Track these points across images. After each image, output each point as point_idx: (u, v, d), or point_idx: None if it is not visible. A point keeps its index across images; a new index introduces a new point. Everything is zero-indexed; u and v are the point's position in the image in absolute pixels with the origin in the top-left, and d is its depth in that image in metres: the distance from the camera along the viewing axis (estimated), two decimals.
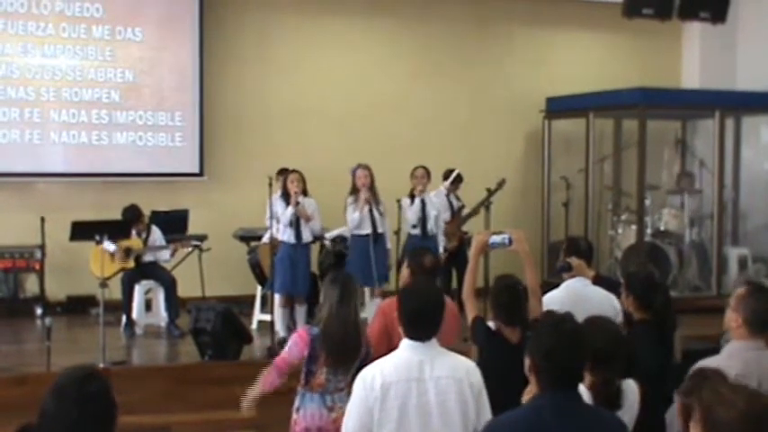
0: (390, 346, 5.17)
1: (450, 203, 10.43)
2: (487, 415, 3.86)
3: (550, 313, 3.45)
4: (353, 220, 8.98)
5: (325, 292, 5.05)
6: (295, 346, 4.95)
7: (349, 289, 5.01)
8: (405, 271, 5.58)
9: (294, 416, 5.03)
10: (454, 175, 10.47)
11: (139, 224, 9.59)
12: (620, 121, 12.53)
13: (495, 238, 5.12)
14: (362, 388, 3.86)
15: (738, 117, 12.29)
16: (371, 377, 3.86)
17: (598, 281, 5.84)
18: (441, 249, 9.58)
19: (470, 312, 4.93)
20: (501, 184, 10.22)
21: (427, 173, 9.53)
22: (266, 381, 4.98)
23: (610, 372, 3.94)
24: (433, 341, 3.93)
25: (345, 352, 4.95)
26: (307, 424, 4.98)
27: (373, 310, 7.49)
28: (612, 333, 4.11)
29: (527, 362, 3.30)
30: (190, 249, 10.15)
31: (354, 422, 3.85)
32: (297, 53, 11.80)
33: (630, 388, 4.07)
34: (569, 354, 3.20)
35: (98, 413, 2.98)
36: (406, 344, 3.93)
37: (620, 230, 11.76)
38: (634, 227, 11.39)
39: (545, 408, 3.17)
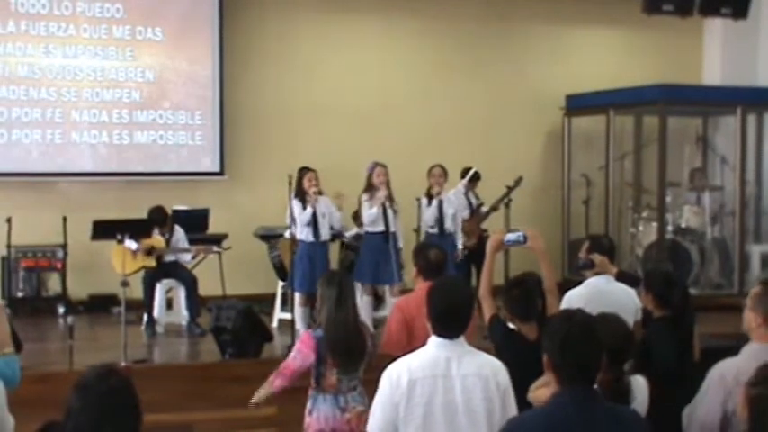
0: (410, 342, 5.23)
1: (469, 201, 10.42)
2: (514, 414, 3.84)
3: (564, 310, 3.46)
4: (370, 216, 8.98)
5: (321, 293, 5.05)
6: (300, 354, 4.97)
7: (346, 288, 5.03)
8: (413, 269, 5.60)
9: (307, 419, 5.03)
10: (471, 173, 10.45)
11: (164, 225, 9.64)
12: (640, 118, 12.48)
13: (510, 236, 5.12)
14: (388, 384, 3.86)
15: (760, 113, 12.21)
16: (398, 373, 3.86)
17: (621, 277, 5.83)
18: (459, 246, 9.58)
19: (487, 311, 4.93)
20: (518, 182, 10.20)
21: (444, 172, 9.50)
22: (274, 384, 5.01)
23: (619, 368, 3.95)
24: (461, 339, 3.94)
25: (350, 352, 4.96)
26: (320, 426, 4.99)
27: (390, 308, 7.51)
28: (621, 330, 4.11)
29: (544, 359, 3.30)
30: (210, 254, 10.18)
31: (380, 419, 3.85)
32: (316, 51, 11.83)
33: (640, 384, 4.07)
34: (583, 348, 3.20)
35: (121, 408, 3.01)
36: (433, 340, 3.93)
37: (640, 228, 11.72)
38: (655, 224, 11.35)
39: (567, 404, 3.17)
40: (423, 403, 3.81)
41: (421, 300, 5.32)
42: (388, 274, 8.93)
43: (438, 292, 4.02)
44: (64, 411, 3.02)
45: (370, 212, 8.98)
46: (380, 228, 8.99)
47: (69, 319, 7.80)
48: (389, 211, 8.98)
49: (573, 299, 5.39)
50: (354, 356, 4.98)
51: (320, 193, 8.89)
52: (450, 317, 3.92)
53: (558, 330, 3.26)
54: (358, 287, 9.72)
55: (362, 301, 9.06)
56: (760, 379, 2.92)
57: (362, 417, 4.99)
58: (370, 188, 9.07)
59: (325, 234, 8.99)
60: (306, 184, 8.83)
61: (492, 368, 3.92)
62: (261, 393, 5.07)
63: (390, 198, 9.03)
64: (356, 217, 9.84)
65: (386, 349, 5.34)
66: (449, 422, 3.82)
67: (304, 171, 9.05)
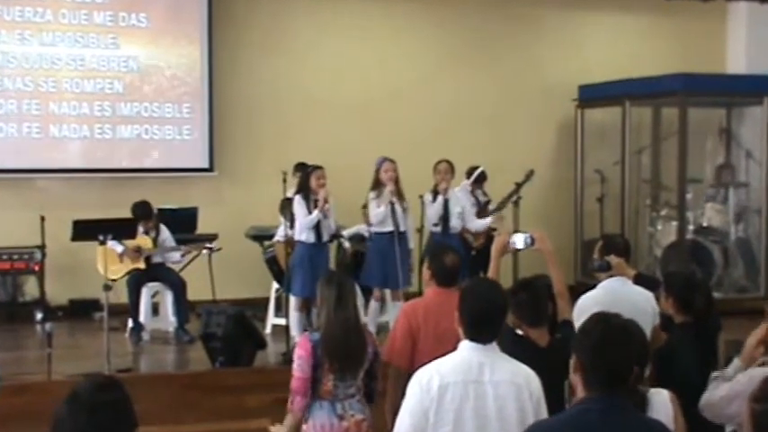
0: (415, 350, 5.22)
1: (477, 199, 10.41)
2: None
3: (601, 312, 3.44)
4: (378, 215, 8.96)
5: (320, 294, 5.06)
6: (302, 360, 4.95)
7: (346, 289, 5.03)
8: (426, 272, 5.59)
9: (303, 426, 5.02)
10: (476, 173, 10.41)
11: (149, 222, 9.64)
12: (659, 110, 12.46)
13: (516, 238, 5.16)
14: (418, 389, 3.89)
15: None
16: (428, 378, 3.90)
17: (639, 280, 5.83)
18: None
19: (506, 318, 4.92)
20: (529, 176, 10.17)
21: (451, 167, 9.49)
22: (295, 408, 4.98)
23: (634, 379, 3.91)
24: (494, 344, 3.99)
25: (349, 357, 4.96)
26: None
27: (395, 313, 7.49)
28: (639, 336, 4.08)
29: (572, 361, 3.27)
30: (201, 252, 10.18)
31: (408, 425, 3.88)
32: (312, 39, 11.82)
33: (661, 399, 3.99)
34: (618, 352, 3.19)
35: (109, 424, 3.00)
36: (466, 345, 3.98)
37: (659, 227, 11.72)
38: (674, 223, 11.35)
39: (592, 411, 3.16)
40: (453, 409, 3.85)
41: (430, 307, 5.35)
42: (396, 278, 8.90)
43: (472, 295, 4.07)
44: (51, 425, 3.01)
45: (377, 211, 8.96)
46: (389, 227, 8.98)
47: (48, 325, 7.79)
48: (398, 210, 8.96)
49: (587, 303, 5.40)
50: (354, 361, 4.99)
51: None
52: (484, 321, 3.98)
53: (593, 330, 3.25)
54: (358, 291, 9.79)
55: (370, 306, 9.07)
56: (765, 393, 2.91)
57: (362, 426, 5.01)
58: (378, 185, 9.04)
59: (326, 236, 8.96)
60: (314, 183, 8.73)
61: (526, 376, 3.96)
62: (287, 423, 5.03)
63: (400, 195, 9.01)
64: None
65: (387, 358, 5.35)
66: (480, 428, 3.86)
67: (311, 169, 8.92)
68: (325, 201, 8.64)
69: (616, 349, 3.18)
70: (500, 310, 4.06)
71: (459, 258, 5.62)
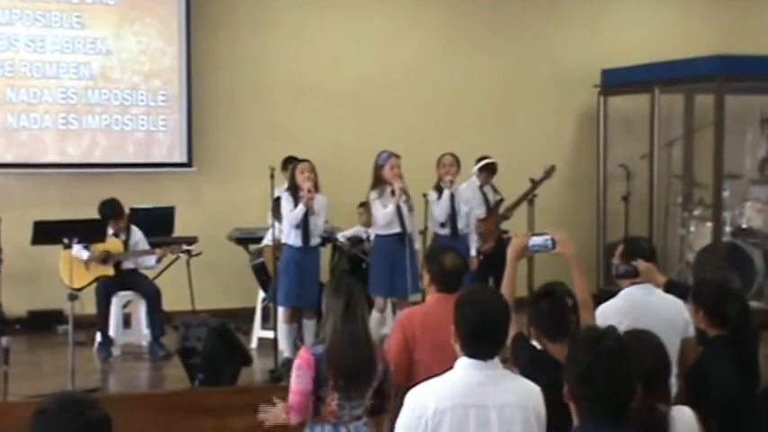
0: (410, 365, 5.22)
1: (486, 197, 10.41)
2: None
3: (588, 328, 3.44)
4: (385, 216, 8.96)
5: (327, 304, 5.06)
6: (302, 371, 4.95)
7: (355, 298, 5.02)
8: (425, 276, 5.59)
9: None
10: (484, 162, 10.40)
11: (118, 222, 9.62)
12: (692, 97, 12.49)
13: (536, 241, 5.14)
14: (410, 414, 3.85)
15: None
16: (422, 402, 3.84)
17: (670, 287, 5.80)
18: (473, 252, 9.59)
19: (509, 328, 4.91)
20: (549, 172, 10.18)
21: (456, 160, 9.52)
22: (289, 417, 4.99)
23: (650, 396, 3.89)
24: (496, 360, 3.92)
25: (357, 373, 4.95)
26: None
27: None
28: (655, 348, 4.08)
29: (564, 387, 3.28)
30: (179, 255, 10.17)
31: None
32: (304, 18, 11.82)
33: (685, 419, 3.99)
34: (611, 378, 3.17)
35: None
36: (464, 362, 3.91)
37: (692, 229, 11.73)
38: (709, 224, 11.37)
39: None
40: None
41: (429, 315, 5.34)
42: (404, 284, 8.90)
43: (468, 304, 4.01)
44: None
45: (385, 212, 8.96)
46: (395, 229, 8.99)
47: (4, 340, 7.75)
48: (404, 209, 8.98)
49: (607, 313, 5.37)
50: (361, 379, 4.97)
51: (316, 189, 8.79)
52: (483, 334, 3.91)
53: (582, 355, 3.24)
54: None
55: (371, 317, 9.07)
56: None
57: None
58: (379, 183, 9.05)
59: (316, 238, 8.95)
60: (299, 177, 8.77)
61: (534, 396, 3.92)
62: (276, 412, 5.06)
63: (405, 193, 9.02)
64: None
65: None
66: None
67: (296, 162, 9.01)
68: (309, 191, 8.64)
69: (608, 374, 3.18)
70: (502, 320, 3.99)
71: (461, 260, 5.61)
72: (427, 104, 12.11)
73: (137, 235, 9.80)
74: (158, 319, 9.62)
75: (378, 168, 9.04)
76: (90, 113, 11.10)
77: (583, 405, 3.22)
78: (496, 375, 3.90)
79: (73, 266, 8.61)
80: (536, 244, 5.14)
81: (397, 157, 9.03)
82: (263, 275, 9.76)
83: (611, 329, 3.40)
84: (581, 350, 3.27)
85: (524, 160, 10.93)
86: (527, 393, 3.91)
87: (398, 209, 8.93)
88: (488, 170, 10.50)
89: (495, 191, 10.61)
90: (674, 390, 4.51)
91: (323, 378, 4.93)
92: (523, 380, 3.99)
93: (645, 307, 5.47)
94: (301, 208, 8.66)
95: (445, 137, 10.89)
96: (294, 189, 8.79)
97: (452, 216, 9.42)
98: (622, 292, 5.75)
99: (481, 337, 3.91)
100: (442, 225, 9.45)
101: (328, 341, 4.96)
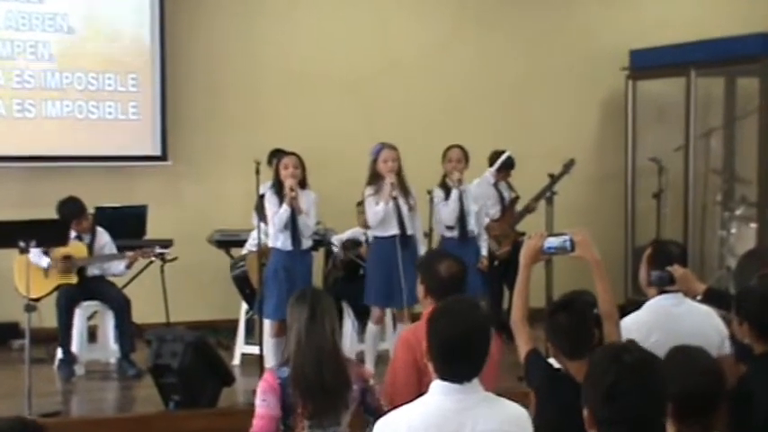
0: (421, 387, 5.15)
1: (501, 195, 10.39)
2: None
3: (610, 345, 3.41)
4: (376, 214, 8.94)
5: (290, 314, 5.05)
6: (267, 395, 4.96)
7: (321, 307, 5.01)
8: (419, 288, 5.59)
9: None
10: (503, 158, 10.44)
11: (82, 223, 9.60)
12: (733, 80, 12.51)
13: (552, 242, 5.10)
14: None
15: None
16: (394, 430, 3.84)
17: (710, 297, 5.76)
18: (484, 251, 9.59)
19: (523, 344, 4.90)
20: (568, 167, 10.18)
21: (465, 155, 9.50)
22: None
23: (702, 421, 3.87)
24: (475, 383, 3.89)
25: (326, 393, 4.93)
26: None
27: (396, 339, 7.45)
28: (706, 367, 4.05)
29: (584, 412, 3.27)
30: (152, 260, 10.17)
31: None
32: None
33: None
34: (638, 395, 3.16)
35: None
36: (437, 386, 3.90)
37: (733, 230, 11.75)
38: (753, 225, 11.38)
39: None
40: None
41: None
42: (398, 294, 8.86)
43: (440, 320, 3.98)
44: None
45: (376, 209, 8.93)
46: (392, 230, 8.95)
47: None
48: (403, 208, 8.93)
49: (631, 328, 5.33)
50: (331, 402, 4.95)
51: (303, 185, 8.78)
52: (456, 353, 3.87)
53: (603, 373, 3.23)
54: (349, 313, 9.76)
55: (368, 331, 9.06)
56: None
57: None
58: (375, 178, 9.03)
59: (306, 241, 8.93)
60: (282, 173, 8.76)
61: (518, 422, 3.91)
62: None
63: (404, 190, 8.98)
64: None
65: (388, 398, 5.30)
66: None
67: (279, 155, 9.03)
68: (291, 189, 8.59)
69: (635, 393, 3.18)
70: (478, 336, 3.93)
71: (461, 266, 5.58)
72: (432, 91, 12.13)
73: (103, 237, 9.79)
74: (128, 332, 9.60)
75: (373, 161, 9.00)
76: (49, 99, 11.07)
77: (604, 429, 3.21)
78: (475, 400, 3.88)
79: (30, 273, 8.53)
80: (552, 246, 5.08)
81: (393, 148, 8.98)
82: (245, 288, 9.73)
83: (632, 343, 3.40)
84: (601, 367, 3.27)
85: (543, 153, 10.94)
86: (510, 419, 3.89)
87: (397, 208, 8.88)
88: (508, 167, 10.49)
89: (511, 188, 10.58)
90: None
91: (290, 404, 4.91)
92: (508, 403, 3.96)
93: (673, 319, 5.49)
94: (285, 208, 8.64)
95: (453, 127, 10.91)
96: (279, 186, 8.77)
97: (461, 218, 9.37)
98: (648, 303, 5.76)
99: (456, 356, 3.87)
100: (450, 228, 9.41)
101: (292, 360, 4.93)
